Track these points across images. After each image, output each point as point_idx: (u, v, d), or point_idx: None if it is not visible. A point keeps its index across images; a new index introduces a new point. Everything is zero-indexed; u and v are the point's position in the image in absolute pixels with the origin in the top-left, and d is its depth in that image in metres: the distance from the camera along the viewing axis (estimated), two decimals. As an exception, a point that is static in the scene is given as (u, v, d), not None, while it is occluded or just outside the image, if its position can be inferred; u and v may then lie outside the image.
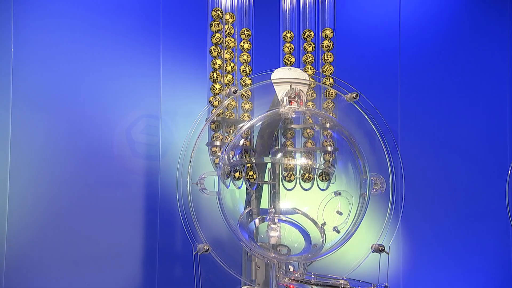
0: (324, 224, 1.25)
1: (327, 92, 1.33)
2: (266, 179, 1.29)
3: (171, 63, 1.64)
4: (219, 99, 1.29)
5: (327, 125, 1.30)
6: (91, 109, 1.57)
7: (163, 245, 1.59)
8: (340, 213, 1.29)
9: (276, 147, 1.31)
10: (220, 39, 1.31)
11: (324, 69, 1.33)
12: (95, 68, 1.58)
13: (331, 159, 1.31)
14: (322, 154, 1.31)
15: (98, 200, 1.56)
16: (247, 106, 1.30)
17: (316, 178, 1.30)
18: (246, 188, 1.28)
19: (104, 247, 1.56)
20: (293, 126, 1.31)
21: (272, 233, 1.23)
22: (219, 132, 1.30)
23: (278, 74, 1.29)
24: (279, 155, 1.31)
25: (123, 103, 1.60)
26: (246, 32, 1.32)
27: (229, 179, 1.26)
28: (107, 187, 1.57)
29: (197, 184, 1.24)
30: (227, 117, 1.30)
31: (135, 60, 1.62)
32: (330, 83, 1.33)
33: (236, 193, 1.28)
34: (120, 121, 1.59)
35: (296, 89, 1.28)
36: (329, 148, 1.30)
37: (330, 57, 1.34)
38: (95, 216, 1.55)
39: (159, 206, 1.59)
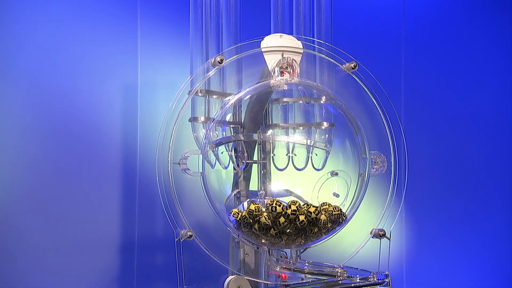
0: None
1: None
2: (255, 158, 1.31)
3: (150, 27, 1.65)
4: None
5: (323, 99, 1.33)
6: (62, 78, 1.58)
7: (142, 231, 1.60)
8: (337, 195, 1.32)
9: (266, 123, 1.34)
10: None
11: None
12: (67, 35, 1.58)
13: (326, 136, 1.33)
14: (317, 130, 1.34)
15: (69, 181, 1.57)
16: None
17: (311, 157, 1.33)
18: (234, 168, 1.31)
19: (77, 233, 1.57)
20: (285, 99, 1.34)
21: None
22: (204, 106, 1.31)
23: (269, 42, 1.30)
24: (270, 131, 1.34)
25: (97, 73, 1.61)
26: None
27: (215, 158, 1.27)
28: (79, 165, 1.58)
29: (179, 164, 1.25)
30: (212, 89, 1.31)
31: (110, 24, 1.62)
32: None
33: (222, 174, 1.30)
34: (94, 92, 1.60)
35: (289, 58, 1.29)
36: (325, 124, 1.33)
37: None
38: (66, 198, 1.56)
39: (137, 188, 1.61)
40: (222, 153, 1.28)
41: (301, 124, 1.34)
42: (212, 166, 1.28)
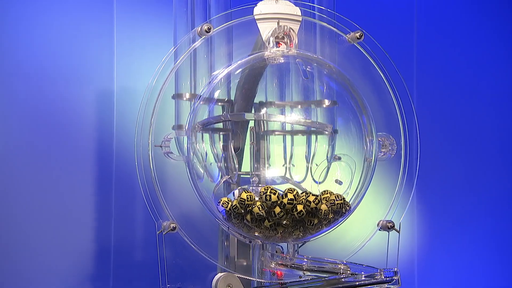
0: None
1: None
2: (248, 140, 1.30)
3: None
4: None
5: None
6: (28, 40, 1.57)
7: (119, 223, 1.58)
8: (340, 183, 1.30)
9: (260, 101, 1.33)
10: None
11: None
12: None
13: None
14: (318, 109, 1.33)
15: (37, 167, 1.55)
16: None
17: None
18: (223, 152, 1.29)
19: (46, 228, 1.55)
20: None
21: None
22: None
23: (262, 8, 1.28)
24: (264, 110, 1.32)
25: (68, 34, 1.59)
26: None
27: (201, 140, 1.26)
28: (44, 148, 1.56)
29: (161, 146, 1.24)
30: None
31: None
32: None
33: (210, 158, 1.28)
34: (63, 54, 1.58)
35: (285, 27, 1.27)
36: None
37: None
38: (35, 188, 1.55)
39: (113, 174, 1.59)
40: (211, 164, 1.27)
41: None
42: (199, 150, 1.26)
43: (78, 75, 1.59)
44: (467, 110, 1.92)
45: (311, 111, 1.33)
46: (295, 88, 1.33)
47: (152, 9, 1.65)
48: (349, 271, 1.22)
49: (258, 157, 1.30)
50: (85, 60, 1.60)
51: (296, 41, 1.28)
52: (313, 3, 1.34)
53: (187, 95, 1.29)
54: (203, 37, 1.27)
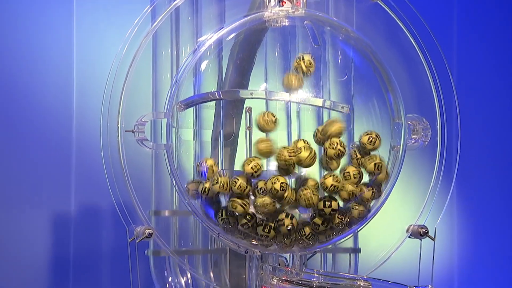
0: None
1: None
2: (243, 124, 1.27)
3: None
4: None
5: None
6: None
7: (80, 230, 1.59)
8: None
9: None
10: None
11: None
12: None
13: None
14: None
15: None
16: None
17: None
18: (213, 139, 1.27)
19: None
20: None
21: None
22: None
23: None
24: (264, 86, 1.28)
25: None
26: None
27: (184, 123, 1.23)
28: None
29: (133, 132, 1.21)
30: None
31: None
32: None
33: (196, 147, 1.27)
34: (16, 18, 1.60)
35: None
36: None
37: None
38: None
39: (74, 168, 1.60)
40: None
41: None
42: (181, 136, 1.23)
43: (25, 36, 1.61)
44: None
45: (323, 87, 1.29)
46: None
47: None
48: (372, 289, 1.21)
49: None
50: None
51: (304, -2, 1.25)
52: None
53: (167, 67, 1.28)
54: (188, -9, 1.25)
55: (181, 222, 1.30)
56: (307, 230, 1.19)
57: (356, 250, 1.40)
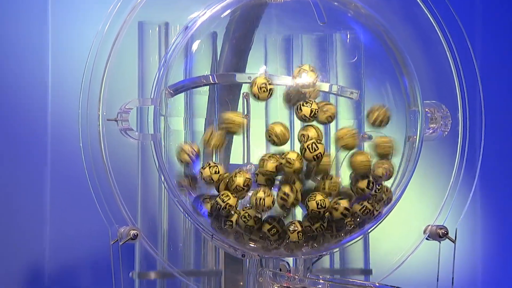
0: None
1: None
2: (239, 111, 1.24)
3: None
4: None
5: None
6: None
7: (56, 230, 1.59)
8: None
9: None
10: None
11: None
12: None
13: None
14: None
15: None
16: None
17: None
18: (205, 129, 1.24)
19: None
20: None
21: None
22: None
23: None
24: (263, 69, 1.26)
25: None
26: None
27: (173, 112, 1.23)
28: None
29: (116, 120, 1.20)
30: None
31: None
32: None
33: (186, 137, 1.26)
34: None
35: None
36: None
37: None
38: None
39: (49, 161, 1.59)
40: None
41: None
42: (170, 126, 1.22)
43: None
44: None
45: (329, 70, 1.29)
46: (306, 38, 1.31)
47: None
48: (385, 296, 1.19)
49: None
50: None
51: (310, -31, 1.21)
52: None
53: (155, 47, 1.28)
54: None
55: (170, 221, 1.31)
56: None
57: (367, 272, 1.41)
